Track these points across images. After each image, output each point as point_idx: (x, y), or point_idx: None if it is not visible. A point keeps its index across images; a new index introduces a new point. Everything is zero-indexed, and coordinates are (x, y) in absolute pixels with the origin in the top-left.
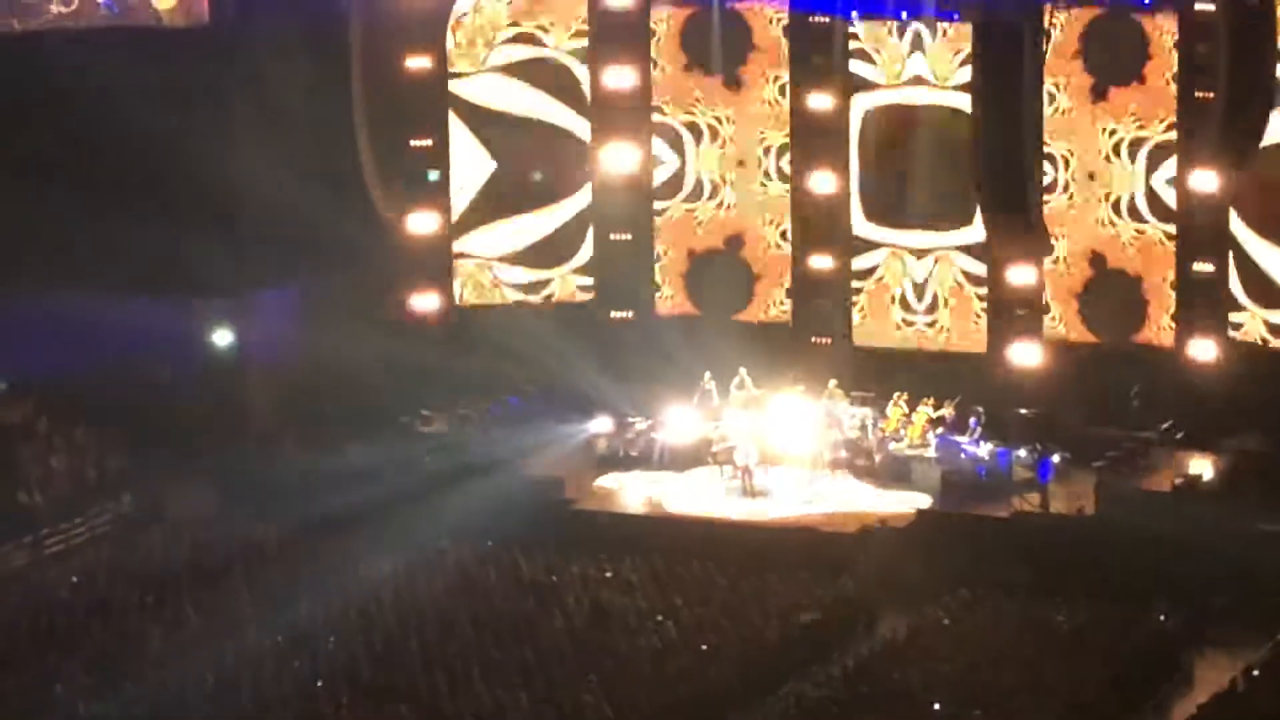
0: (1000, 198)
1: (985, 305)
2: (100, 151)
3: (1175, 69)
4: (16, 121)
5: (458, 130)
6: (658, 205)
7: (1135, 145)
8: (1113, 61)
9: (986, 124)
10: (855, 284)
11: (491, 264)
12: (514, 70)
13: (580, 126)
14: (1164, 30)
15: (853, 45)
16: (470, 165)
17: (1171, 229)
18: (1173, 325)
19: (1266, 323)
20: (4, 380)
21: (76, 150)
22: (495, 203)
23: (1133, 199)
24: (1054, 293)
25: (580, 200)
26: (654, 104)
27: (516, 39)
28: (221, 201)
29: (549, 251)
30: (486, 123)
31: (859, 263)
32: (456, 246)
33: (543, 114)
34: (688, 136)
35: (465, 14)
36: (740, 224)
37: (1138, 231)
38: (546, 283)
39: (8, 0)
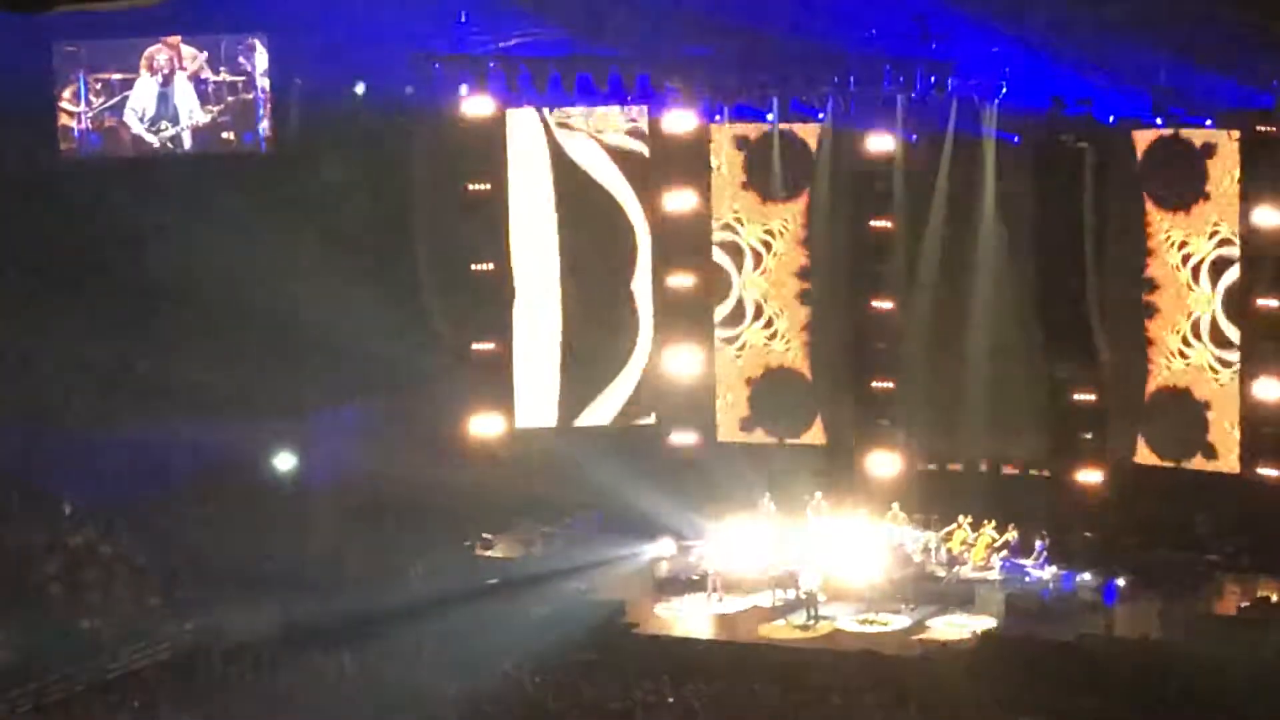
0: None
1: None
2: (158, 278)
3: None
4: (76, 251)
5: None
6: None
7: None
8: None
9: (1045, 247)
10: None
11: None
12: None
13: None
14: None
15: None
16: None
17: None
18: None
19: None
20: (68, 505)
21: (135, 277)
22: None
23: (1205, 321)
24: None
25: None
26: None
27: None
28: (282, 323)
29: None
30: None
31: None
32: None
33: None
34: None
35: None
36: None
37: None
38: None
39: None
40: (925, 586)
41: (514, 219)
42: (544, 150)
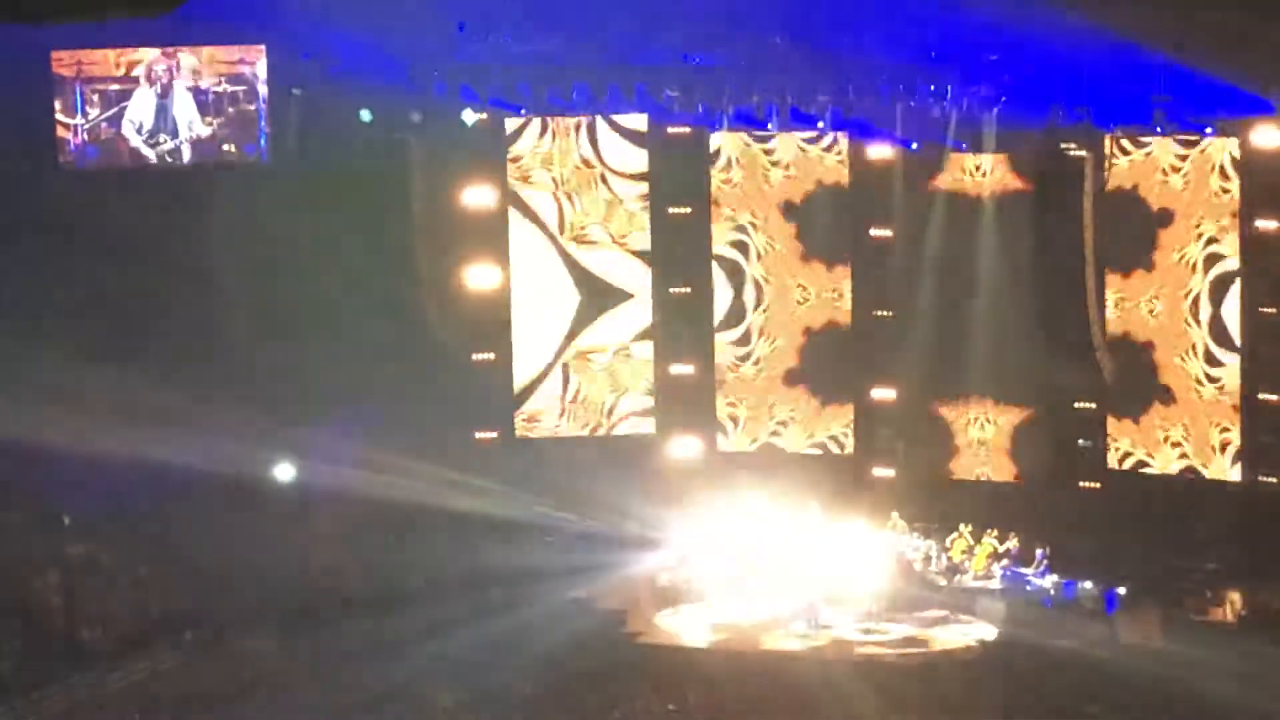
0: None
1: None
2: (157, 289)
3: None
4: (74, 255)
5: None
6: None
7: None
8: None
9: (1045, 254)
10: None
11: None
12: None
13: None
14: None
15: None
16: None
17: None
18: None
19: None
20: (67, 515)
21: (135, 284)
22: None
23: None
24: None
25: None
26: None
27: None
28: (281, 332)
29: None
30: None
31: None
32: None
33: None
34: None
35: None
36: None
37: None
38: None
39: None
40: (926, 595)
41: (513, 227)
42: (543, 161)
